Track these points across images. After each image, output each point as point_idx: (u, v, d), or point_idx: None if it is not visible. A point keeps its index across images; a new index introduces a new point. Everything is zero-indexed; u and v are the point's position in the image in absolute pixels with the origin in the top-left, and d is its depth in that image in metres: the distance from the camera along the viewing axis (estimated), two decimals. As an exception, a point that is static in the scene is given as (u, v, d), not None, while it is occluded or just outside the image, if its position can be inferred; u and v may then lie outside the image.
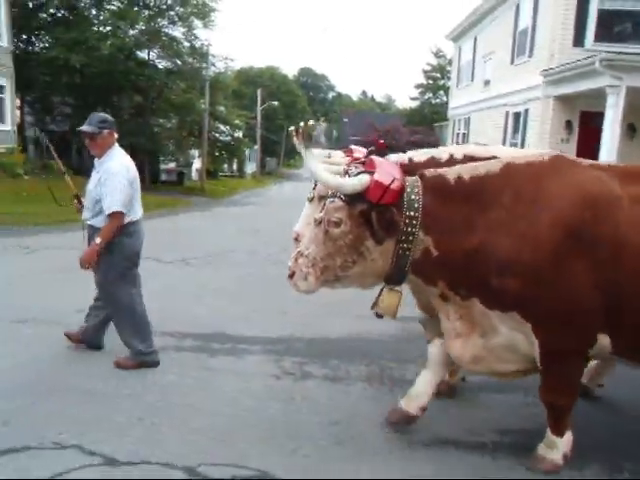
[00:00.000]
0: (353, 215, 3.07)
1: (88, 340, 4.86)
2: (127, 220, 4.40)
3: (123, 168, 4.43)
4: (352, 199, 3.05)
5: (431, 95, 48.56)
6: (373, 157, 3.31)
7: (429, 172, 3.21)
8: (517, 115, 17.44)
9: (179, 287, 7.54)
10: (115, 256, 4.42)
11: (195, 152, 34.74)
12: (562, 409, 3.20)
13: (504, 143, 17.37)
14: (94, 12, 28.07)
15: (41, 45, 28.72)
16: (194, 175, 35.85)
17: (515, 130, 17.60)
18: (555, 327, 2.99)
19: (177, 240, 11.69)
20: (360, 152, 4.07)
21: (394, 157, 3.72)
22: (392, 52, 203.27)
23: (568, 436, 3.26)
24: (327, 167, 3.34)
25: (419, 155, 3.77)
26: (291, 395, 4.21)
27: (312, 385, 4.45)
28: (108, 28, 27.14)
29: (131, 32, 27.11)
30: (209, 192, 29.00)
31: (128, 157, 4.62)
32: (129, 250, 4.51)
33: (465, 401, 4.29)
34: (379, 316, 3.42)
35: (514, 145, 16.43)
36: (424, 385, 3.67)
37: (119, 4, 29.02)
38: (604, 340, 3.04)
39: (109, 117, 4.63)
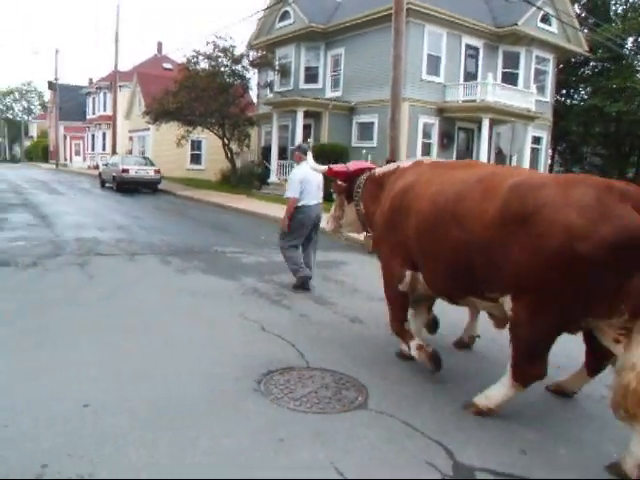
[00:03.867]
0: (339, 186, 5.59)
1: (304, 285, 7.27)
2: (299, 204, 7.06)
3: (297, 173, 7.17)
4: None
5: None
6: (353, 161, 6.24)
7: (376, 170, 5.37)
8: None
9: None
10: (292, 225, 7.14)
11: None
12: (390, 310, 4.79)
13: None
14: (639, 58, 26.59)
15: (578, 97, 29.08)
16: None
17: None
18: (383, 263, 4.82)
19: None
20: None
21: None
22: None
23: (412, 339, 4.59)
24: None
25: None
26: None
27: None
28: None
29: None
30: None
31: (307, 168, 6.56)
32: (299, 222, 7.16)
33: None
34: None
35: None
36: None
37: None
38: (420, 277, 4.38)
39: (303, 144, 8.29)
